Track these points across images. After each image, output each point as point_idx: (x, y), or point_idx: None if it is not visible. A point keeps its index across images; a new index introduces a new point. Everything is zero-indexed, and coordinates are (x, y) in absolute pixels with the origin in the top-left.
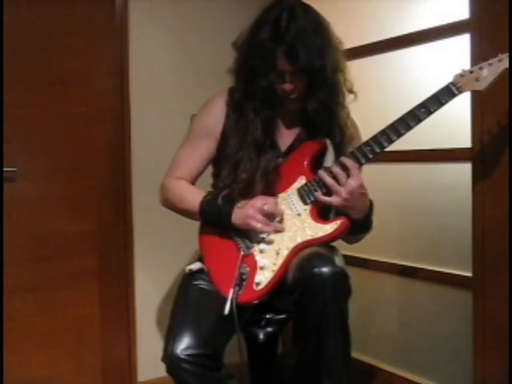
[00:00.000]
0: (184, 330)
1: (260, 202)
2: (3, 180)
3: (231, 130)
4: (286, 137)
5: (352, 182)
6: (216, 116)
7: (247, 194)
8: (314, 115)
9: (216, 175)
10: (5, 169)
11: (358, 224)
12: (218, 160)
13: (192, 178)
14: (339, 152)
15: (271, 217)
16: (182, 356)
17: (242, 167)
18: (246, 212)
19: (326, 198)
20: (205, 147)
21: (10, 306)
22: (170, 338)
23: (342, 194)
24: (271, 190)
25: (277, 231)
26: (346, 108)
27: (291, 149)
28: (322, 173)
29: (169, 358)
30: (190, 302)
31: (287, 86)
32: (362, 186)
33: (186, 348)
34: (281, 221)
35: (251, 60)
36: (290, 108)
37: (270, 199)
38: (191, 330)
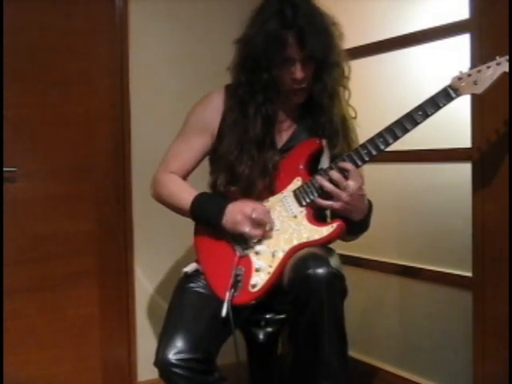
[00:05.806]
0: (176, 334)
1: (249, 208)
2: (3, 180)
3: (229, 128)
4: (283, 133)
5: (352, 185)
6: (213, 112)
7: (248, 192)
8: (320, 100)
9: (213, 184)
10: (5, 169)
11: (358, 225)
12: (213, 162)
13: (185, 173)
14: (344, 141)
15: (260, 224)
16: (173, 360)
17: (243, 165)
18: (235, 218)
19: (327, 202)
20: (199, 143)
21: (10, 305)
22: (162, 342)
23: (343, 198)
24: (270, 189)
25: (265, 236)
26: (349, 91)
27: (287, 145)
28: (319, 178)
29: (160, 363)
30: (184, 305)
31: (298, 74)
32: (361, 188)
33: (177, 352)
34: (271, 229)
35: (258, 52)
36: (295, 100)
37: (259, 207)
38: (183, 333)
